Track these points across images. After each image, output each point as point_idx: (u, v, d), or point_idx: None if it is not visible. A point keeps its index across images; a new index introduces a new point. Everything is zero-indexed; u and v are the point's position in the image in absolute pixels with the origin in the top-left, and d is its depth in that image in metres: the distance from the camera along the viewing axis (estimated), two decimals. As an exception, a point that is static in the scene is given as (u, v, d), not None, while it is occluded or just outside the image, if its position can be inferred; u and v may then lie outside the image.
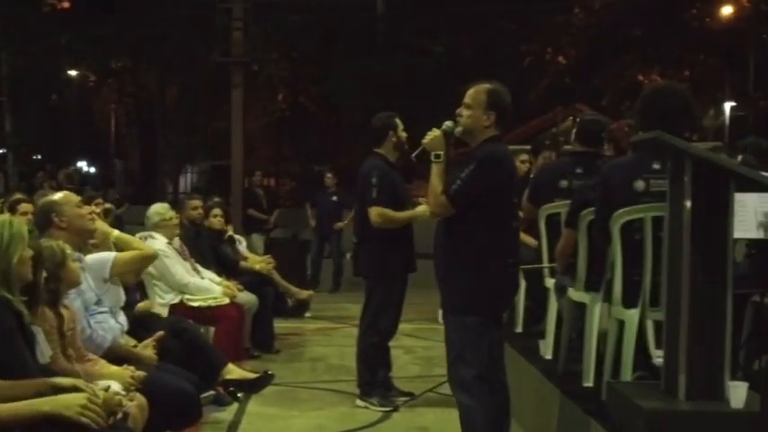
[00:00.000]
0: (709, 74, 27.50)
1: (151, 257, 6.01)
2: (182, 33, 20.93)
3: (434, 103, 19.09)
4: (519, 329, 7.47)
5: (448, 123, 5.06)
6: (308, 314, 11.82)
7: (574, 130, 6.64)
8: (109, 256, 5.45)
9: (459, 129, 4.99)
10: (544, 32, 25.45)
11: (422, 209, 6.83)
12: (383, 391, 7.12)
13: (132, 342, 5.36)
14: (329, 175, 15.62)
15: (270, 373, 6.05)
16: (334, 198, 15.19)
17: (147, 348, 5.19)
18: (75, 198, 5.36)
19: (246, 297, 8.62)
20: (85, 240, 5.41)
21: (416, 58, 19.81)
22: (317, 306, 12.01)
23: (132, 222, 14.73)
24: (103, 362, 4.72)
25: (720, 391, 4.14)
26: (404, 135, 7.16)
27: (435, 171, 4.96)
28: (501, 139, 5.05)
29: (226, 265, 9.11)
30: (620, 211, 4.74)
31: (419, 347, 9.79)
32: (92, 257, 5.29)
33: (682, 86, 4.99)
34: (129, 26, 21.21)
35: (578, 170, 6.49)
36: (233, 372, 5.99)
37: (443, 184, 4.90)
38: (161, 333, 5.37)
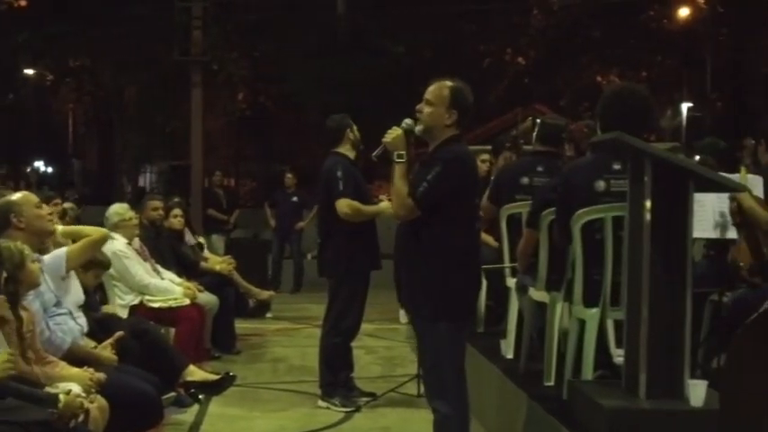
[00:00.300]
0: (667, 75, 27.74)
1: (102, 239, 5.78)
2: (140, 32, 20.72)
3: (395, 103, 19.08)
4: (481, 329, 7.51)
5: (407, 121, 4.86)
6: (269, 315, 11.81)
7: (534, 131, 6.69)
8: (61, 251, 5.36)
9: (419, 127, 4.79)
10: (503, 33, 25.54)
11: (386, 204, 6.80)
12: (345, 392, 7.11)
13: (92, 344, 5.31)
14: (289, 174, 15.56)
15: (231, 374, 6.02)
16: (295, 198, 15.15)
17: (106, 349, 5.15)
18: (34, 198, 5.29)
19: (207, 298, 8.58)
20: (44, 241, 5.34)
21: (377, 58, 19.78)
22: (279, 307, 12.00)
23: (90, 223, 14.52)
24: (63, 364, 4.67)
25: (680, 389, 4.19)
26: (357, 134, 7.16)
27: (398, 172, 4.74)
28: (461, 139, 4.90)
29: (186, 266, 9.06)
30: (581, 210, 4.77)
31: (381, 348, 9.80)
32: (47, 257, 5.23)
33: (641, 87, 5.02)
34: (86, 25, 20.98)
35: (539, 168, 6.55)
36: (194, 373, 5.95)
37: (408, 186, 4.70)
38: (120, 333, 5.32)
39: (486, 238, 7.59)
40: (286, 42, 21.22)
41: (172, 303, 7.82)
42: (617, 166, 4.80)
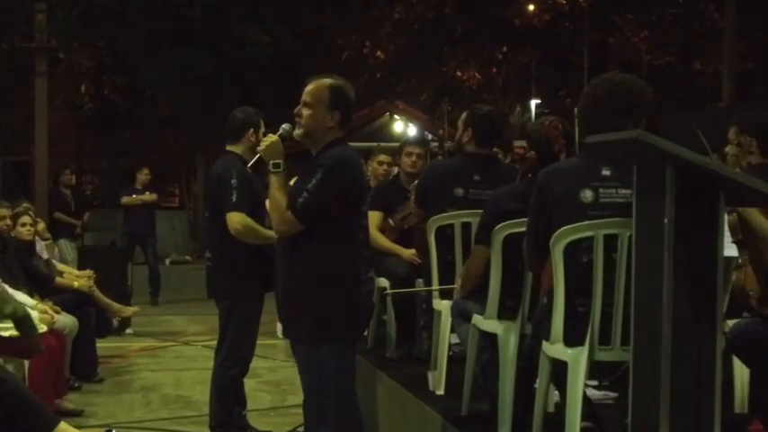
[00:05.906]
0: (519, 71, 27.54)
1: None
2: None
3: (258, 95, 17.95)
4: (391, 354, 6.64)
5: (285, 126, 4.48)
6: (128, 331, 10.64)
7: (466, 128, 5.71)
8: None
9: (299, 131, 4.37)
10: (362, 26, 24.76)
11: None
12: (239, 433, 6.05)
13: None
14: (145, 170, 14.11)
15: (114, 431, 4.85)
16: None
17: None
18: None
19: (65, 320, 7.36)
20: None
21: (238, 47, 18.54)
22: (137, 320, 10.80)
23: None
24: None
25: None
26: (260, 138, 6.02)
27: (276, 183, 4.34)
28: (345, 142, 4.43)
29: (38, 283, 7.76)
30: (566, 228, 3.83)
31: (263, 370, 8.71)
32: None
33: (638, 79, 4.11)
34: None
35: (476, 177, 5.61)
36: (67, 432, 4.76)
37: (287, 198, 4.28)
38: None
39: (397, 248, 6.73)
40: (136, 30, 19.63)
41: (25, 331, 6.54)
42: (606, 172, 3.91)
